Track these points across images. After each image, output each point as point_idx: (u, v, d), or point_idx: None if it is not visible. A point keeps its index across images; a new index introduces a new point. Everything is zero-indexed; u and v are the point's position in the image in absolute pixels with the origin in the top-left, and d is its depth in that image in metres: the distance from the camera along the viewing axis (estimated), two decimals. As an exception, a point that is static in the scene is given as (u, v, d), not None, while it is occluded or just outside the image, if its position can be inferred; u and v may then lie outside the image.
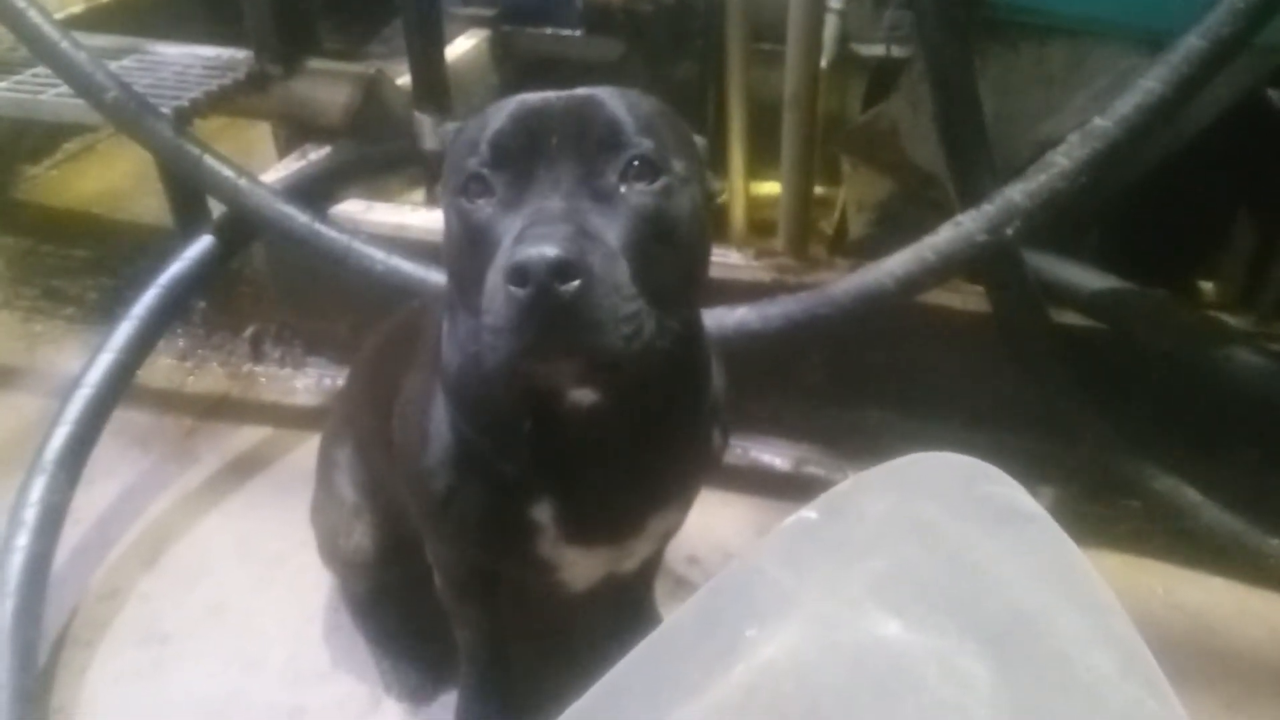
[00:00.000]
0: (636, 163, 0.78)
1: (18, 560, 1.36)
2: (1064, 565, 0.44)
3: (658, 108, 0.85)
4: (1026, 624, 0.39)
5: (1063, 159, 1.23)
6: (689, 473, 1.04)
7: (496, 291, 0.71)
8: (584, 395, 0.85)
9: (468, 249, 0.80)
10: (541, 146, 0.78)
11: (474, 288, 0.78)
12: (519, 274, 0.68)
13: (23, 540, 1.38)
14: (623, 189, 0.77)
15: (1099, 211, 1.50)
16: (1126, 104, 1.19)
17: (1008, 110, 1.49)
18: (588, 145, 0.78)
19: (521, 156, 0.78)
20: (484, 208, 0.79)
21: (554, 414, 0.87)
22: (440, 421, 0.96)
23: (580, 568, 1.04)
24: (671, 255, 0.80)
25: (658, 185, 0.78)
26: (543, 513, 0.94)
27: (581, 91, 0.83)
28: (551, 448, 0.90)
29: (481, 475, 0.95)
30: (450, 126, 0.97)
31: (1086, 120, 1.22)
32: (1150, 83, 1.17)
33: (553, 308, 0.69)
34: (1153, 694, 0.41)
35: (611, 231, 0.75)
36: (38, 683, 1.31)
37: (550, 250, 0.68)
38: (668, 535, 1.14)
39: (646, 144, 0.78)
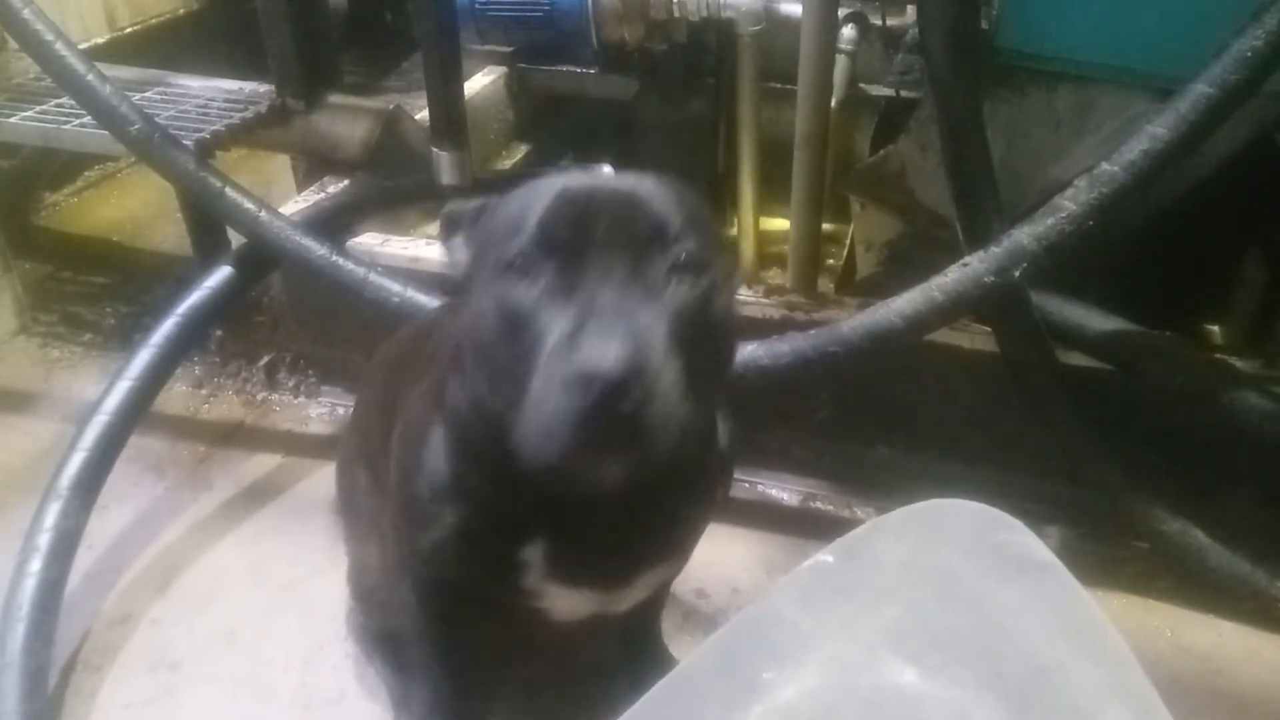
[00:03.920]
0: (683, 261, 0.78)
1: (30, 585, 1.37)
2: (1079, 617, 0.45)
3: (698, 204, 0.85)
4: (1043, 676, 0.40)
5: (1070, 203, 1.25)
6: (685, 532, 1.04)
7: (551, 389, 0.71)
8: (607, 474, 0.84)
9: (506, 330, 0.79)
10: (590, 234, 0.77)
11: (507, 366, 0.78)
12: (584, 382, 0.68)
13: (36, 565, 1.39)
14: (669, 286, 0.77)
15: (1106, 254, 1.51)
16: (1134, 150, 1.20)
17: (1016, 154, 1.51)
18: (636, 238, 0.77)
19: (570, 242, 0.77)
20: (529, 290, 0.77)
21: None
22: (437, 451, 0.97)
23: (563, 602, 1.04)
24: (709, 353, 0.80)
25: (702, 284, 0.78)
26: (532, 552, 0.95)
27: (627, 181, 0.82)
28: (552, 496, 0.90)
29: (474, 508, 0.96)
30: (470, 206, 0.94)
31: (1094, 165, 1.24)
32: (1158, 129, 1.18)
33: (610, 418, 0.69)
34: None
35: (659, 330, 0.74)
36: (47, 708, 1.31)
37: (616, 362, 0.67)
38: (665, 584, 1.14)
39: (692, 242, 0.78)
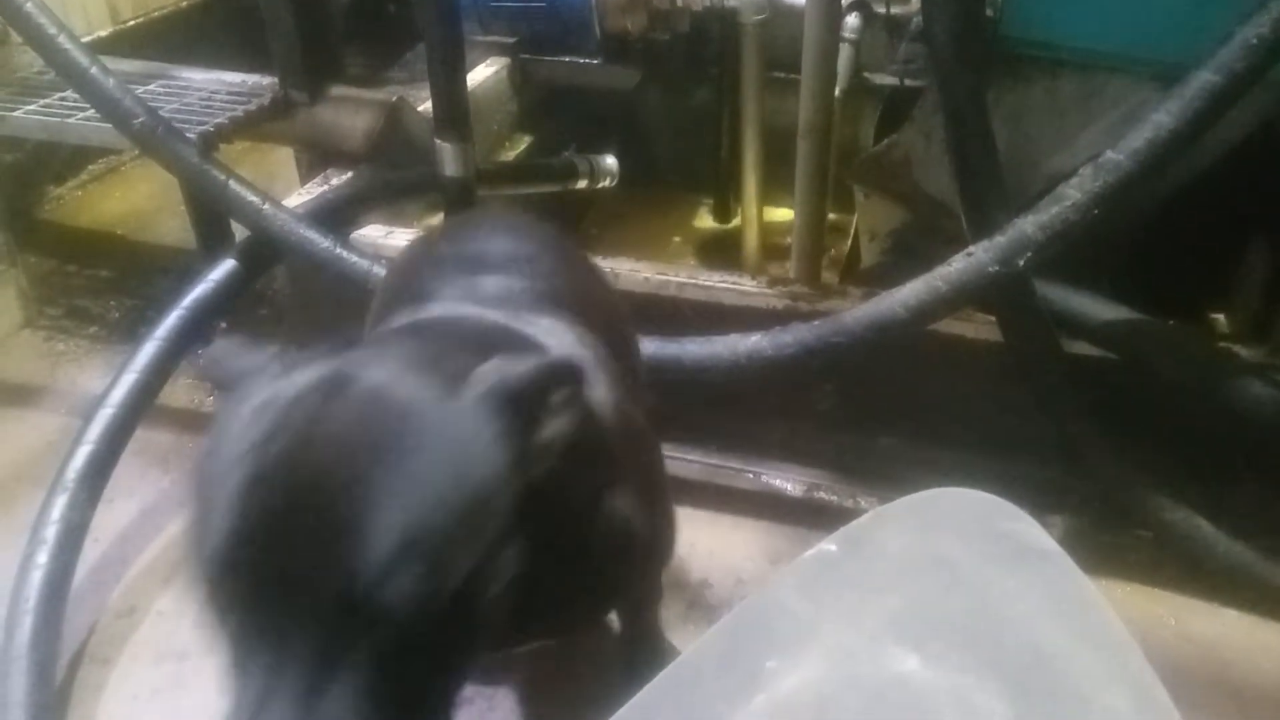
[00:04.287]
0: (382, 615, 0.57)
1: (37, 577, 1.38)
2: (1080, 603, 0.45)
3: (449, 477, 0.61)
4: (1044, 662, 0.40)
5: (1075, 191, 1.24)
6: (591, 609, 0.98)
7: None
8: None
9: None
10: (266, 578, 0.58)
11: None
12: None
13: (43, 558, 1.40)
14: (363, 642, 0.58)
15: (1111, 242, 1.51)
16: (1139, 137, 1.20)
17: (1020, 142, 1.50)
18: (316, 594, 0.57)
19: (245, 589, 0.58)
20: (212, 618, 0.61)
21: None
22: None
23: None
24: (454, 662, 0.63)
25: (418, 628, 0.58)
26: None
27: (335, 476, 0.59)
28: None
29: None
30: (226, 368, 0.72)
31: (1099, 153, 1.24)
32: (1162, 116, 1.18)
33: None
34: (1164, 727, 0.42)
35: (348, 709, 0.57)
36: (55, 700, 1.32)
37: None
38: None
39: (399, 587, 0.57)
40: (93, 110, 1.79)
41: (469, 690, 1.35)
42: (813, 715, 0.38)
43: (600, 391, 0.86)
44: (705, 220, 2.70)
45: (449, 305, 0.94)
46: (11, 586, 1.36)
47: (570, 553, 0.75)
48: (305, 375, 0.66)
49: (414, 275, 1.05)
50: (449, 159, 1.74)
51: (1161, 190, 1.44)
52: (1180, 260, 1.51)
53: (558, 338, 0.91)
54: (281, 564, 0.58)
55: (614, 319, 1.16)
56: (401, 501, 0.58)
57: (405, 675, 0.58)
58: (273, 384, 0.66)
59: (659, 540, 1.00)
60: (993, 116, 1.34)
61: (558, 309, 0.95)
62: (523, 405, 0.66)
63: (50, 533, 1.41)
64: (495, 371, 0.66)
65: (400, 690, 0.58)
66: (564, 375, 0.68)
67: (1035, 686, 0.39)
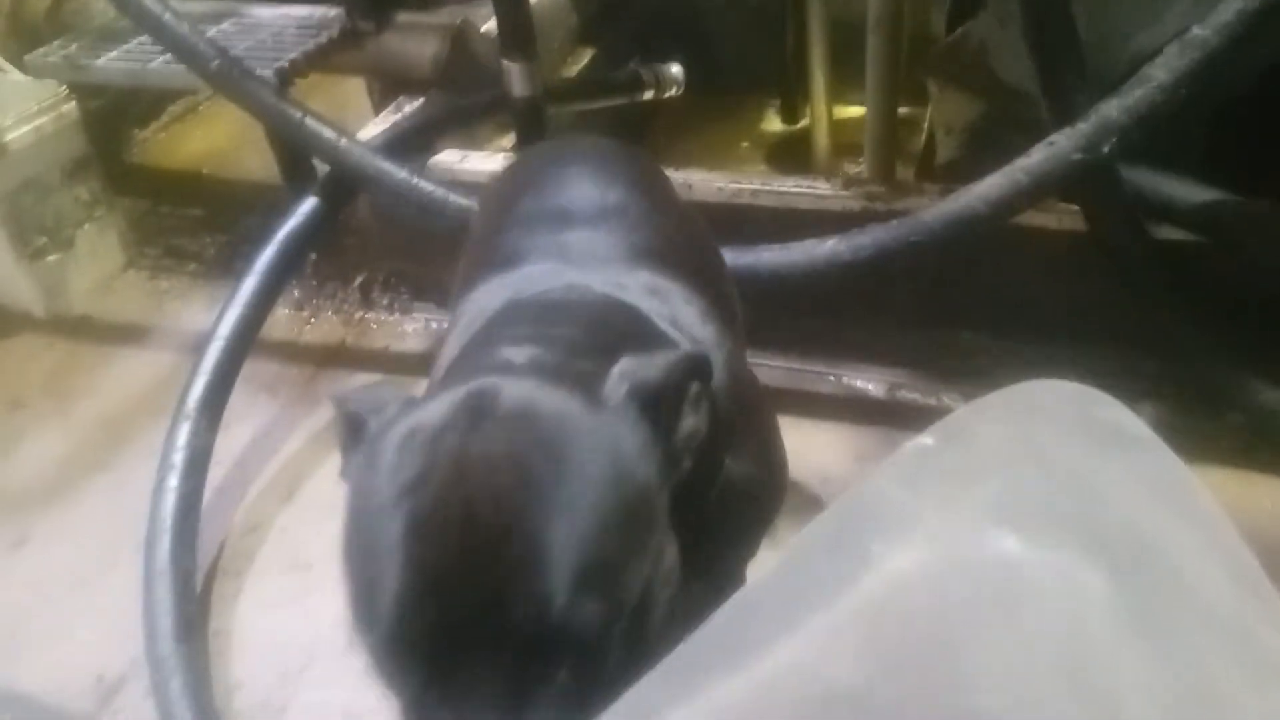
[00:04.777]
0: (576, 647, 0.58)
1: (171, 500, 1.49)
2: (1173, 483, 0.47)
3: (609, 494, 0.62)
4: (1139, 538, 0.43)
5: (1161, 72, 1.21)
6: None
7: None
8: None
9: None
10: (451, 620, 0.58)
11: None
12: None
13: (174, 481, 1.51)
14: (556, 672, 0.58)
15: (1199, 121, 1.46)
16: (1228, 10, 1.16)
17: (1101, 22, 1.45)
18: (506, 631, 0.57)
19: (429, 634, 0.58)
20: (390, 676, 0.62)
21: None
22: None
23: None
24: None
25: (603, 653, 0.59)
26: None
27: (503, 508, 0.58)
28: None
29: None
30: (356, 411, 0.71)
31: (1185, 30, 1.19)
32: (1255, -13, 1.13)
33: None
34: (1261, 600, 0.44)
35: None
36: (197, 609, 1.45)
37: None
38: None
39: (586, 615, 0.57)
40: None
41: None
42: (922, 591, 0.42)
43: (715, 356, 0.81)
44: (773, 123, 2.66)
45: (543, 270, 0.89)
46: (148, 508, 1.48)
47: (699, 530, 0.73)
48: (441, 405, 0.64)
49: (500, 231, 1.00)
50: (517, 79, 1.75)
51: (1253, 63, 1.38)
52: (1274, 137, 1.45)
53: (666, 304, 0.86)
54: (464, 609, 0.57)
55: (707, 258, 1.11)
56: (572, 525, 0.58)
57: (589, 698, 0.57)
58: (410, 417, 0.65)
59: (778, 493, 1.01)
60: (1071, -3, 1.30)
61: (654, 262, 0.90)
62: (663, 406, 0.66)
63: (178, 458, 1.52)
64: (630, 373, 0.65)
65: (587, 713, 0.56)
66: (697, 370, 0.68)
67: (1130, 560, 0.41)
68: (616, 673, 0.58)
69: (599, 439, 0.63)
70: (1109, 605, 0.39)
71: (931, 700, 0.37)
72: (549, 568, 0.57)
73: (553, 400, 0.64)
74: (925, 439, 0.53)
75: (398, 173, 1.63)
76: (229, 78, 1.66)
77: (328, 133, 1.65)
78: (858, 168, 2.21)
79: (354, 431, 0.70)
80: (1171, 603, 0.40)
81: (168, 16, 1.64)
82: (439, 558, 0.58)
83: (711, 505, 0.79)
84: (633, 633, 0.61)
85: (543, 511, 0.58)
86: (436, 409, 0.65)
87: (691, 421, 0.68)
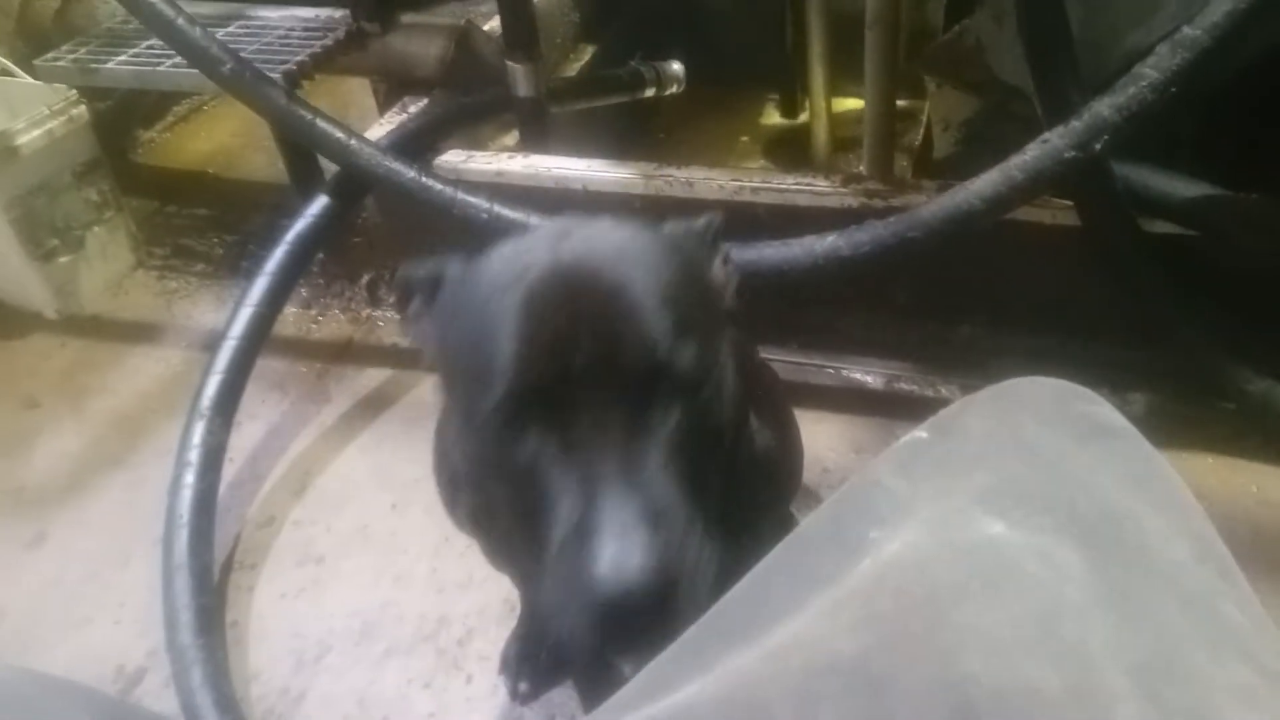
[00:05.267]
0: (680, 383, 0.68)
1: (188, 495, 1.52)
2: (1149, 473, 0.50)
3: (681, 272, 0.73)
4: (1114, 521, 0.46)
5: (1152, 70, 1.23)
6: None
7: (568, 593, 0.64)
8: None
9: (497, 487, 0.73)
10: (571, 371, 0.66)
11: (506, 511, 0.74)
12: (606, 600, 0.61)
13: (190, 478, 1.54)
14: (668, 412, 0.68)
15: (1191, 119, 1.49)
16: (1217, 10, 1.18)
17: (1095, 21, 1.48)
18: (625, 371, 0.66)
19: (553, 390, 0.67)
20: (514, 448, 0.68)
21: None
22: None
23: None
24: (719, 448, 0.73)
25: (703, 397, 0.69)
26: None
27: (603, 275, 0.69)
28: None
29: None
30: (423, 274, 0.82)
31: (1176, 29, 1.22)
32: (1242, -13, 1.16)
33: (637, 620, 0.62)
34: (1225, 578, 0.48)
35: (671, 479, 0.66)
36: (214, 601, 1.49)
37: (642, 574, 0.61)
38: None
39: (687, 352, 0.67)
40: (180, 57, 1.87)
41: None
42: (915, 572, 0.45)
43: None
44: (772, 117, 2.69)
45: None
46: (166, 505, 1.52)
47: (727, 494, 0.78)
48: (527, 235, 0.76)
49: None
50: (521, 79, 1.78)
51: (1241, 59, 1.41)
52: (1262, 133, 1.48)
53: None
54: (580, 358, 0.66)
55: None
56: (665, 292, 0.69)
57: (694, 456, 0.67)
58: (502, 246, 0.75)
59: (795, 465, 1.07)
60: (1065, -4, 1.32)
61: None
62: (712, 240, 0.81)
63: (194, 455, 1.55)
64: (678, 223, 0.78)
65: (693, 470, 0.67)
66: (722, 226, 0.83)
67: (1105, 542, 0.45)
68: (705, 447, 0.68)
69: (672, 245, 0.75)
70: (1084, 582, 0.43)
71: (923, 667, 0.41)
72: (652, 318, 0.67)
73: (626, 225, 0.75)
74: (919, 432, 0.56)
75: (406, 172, 1.66)
76: (241, 81, 1.68)
77: (338, 133, 1.67)
78: (856, 160, 2.24)
79: (419, 294, 0.81)
80: (1141, 581, 0.44)
81: (180, 20, 1.66)
82: (552, 319, 0.67)
83: (740, 465, 0.86)
84: (718, 401, 0.71)
85: (640, 281, 0.69)
86: (524, 239, 0.76)
87: (731, 268, 0.82)
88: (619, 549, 0.61)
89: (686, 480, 0.67)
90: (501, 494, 0.72)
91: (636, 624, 0.62)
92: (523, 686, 1.33)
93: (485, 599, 1.47)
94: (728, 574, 0.59)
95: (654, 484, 0.65)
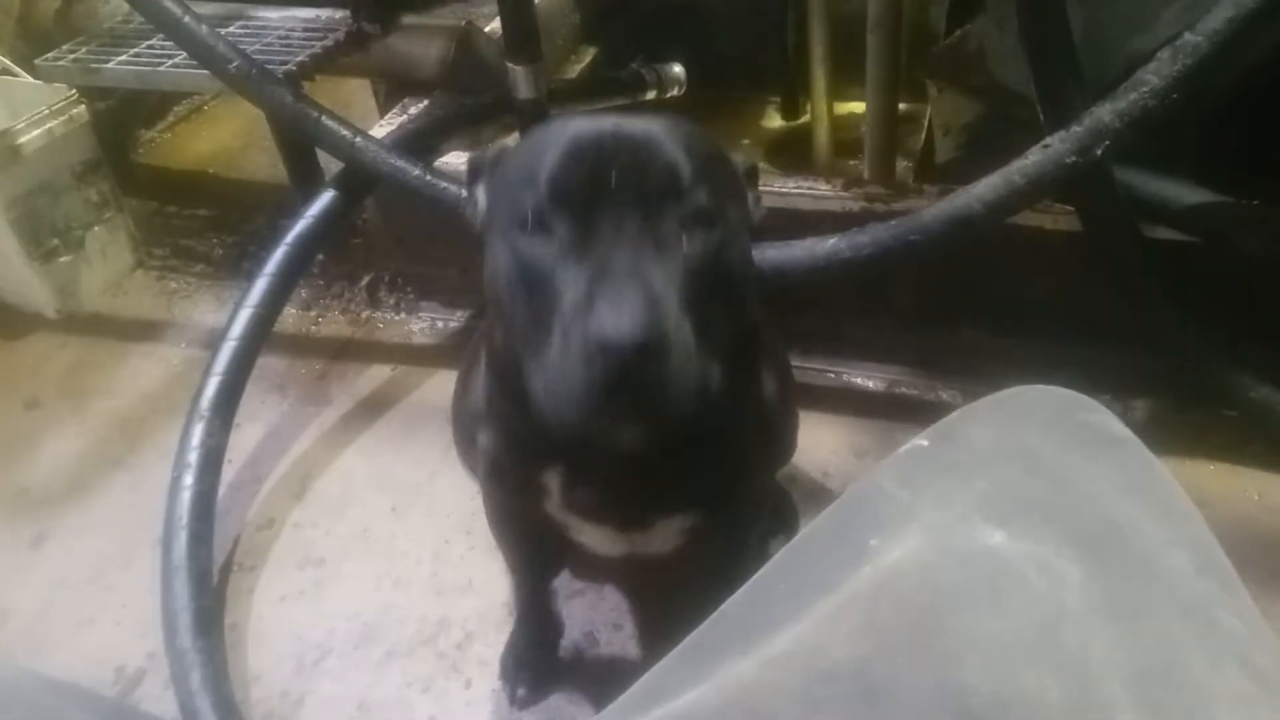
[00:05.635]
0: (695, 212, 0.77)
1: (187, 497, 1.52)
2: (1148, 481, 0.50)
3: (712, 149, 0.84)
4: (1114, 531, 0.46)
5: (1153, 76, 1.23)
6: (712, 485, 1.01)
7: (567, 355, 0.71)
8: (625, 435, 0.86)
9: (521, 286, 0.79)
10: (602, 187, 0.76)
11: (524, 320, 0.80)
12: (599, 352, 0.68)
13: (189, 480, 1.54)
14: (682, 238, 0.76)
15: (1193, 125, 1.49)
16: (1218, 17, 1.18)
17: (1097, 27, 1.48)
18: (648, 190, 0.76)
19: (582, 196, 0.76)
20: (543, 247, 0.77)
21: None
22: (480, 379, 1.04)
23: (587, 536, 1.07)
24: (724, 303, 0.80)
25: (714, 236, 0.78)
26: (551, 478, 0.98)
27: (638, 126, 0.80)
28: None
29: (504, 434, 1.01)
30: (489, 153, 0.93)
31: (1177, 36, 1.22)
32: (1244, -7, 1.16)
33: (627, 384, 0.69)
34: (1224, 588, 0.48)
35: (673, 286, 0.74)
36: (214, 603, 1.48)
37: (631, 331, 0.67)
38: (711, 530, 1.09)
39: (704, 192, 0.77)
40: (182, 56, 1.87)
41: (580, 584, 1.47)
42: (916, 580, 0.45)
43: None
44: (773, 120, 2.69)
45: None
46: (165, 506, 1.51)
47: (721, 424, 0.89)
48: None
49: None
50: (522, 81, 1.77)
51: (1241, 66, 1.41)
52: (1263, 139, 1.48)
53: None
54: (613, 171, 0.76)
55: None
56: (694, 151, 0.79)
57: (699, 288, 0.76)
58: (555, 119, 0.85)
59: (788, 435, 1.12)
60: (1068, 2, 1.32)
61: None
62: (748, 170, 0.92)
63: (193, 457, 1.55)
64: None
65: (695, 300, 0.75)
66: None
67: (1105, 551, 0.45)
68: (720, 279, 0.78)
69: (709, 139, 0.85)
70: (1084, 592, 0.43)
71: (923, 674, 0.41)
72: (678, 158, 0.78)
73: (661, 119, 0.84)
74: (921, 440, 0.56)
75: (412, 170, 1.65)
76: (247, 80, 1.68)
77: (344, 131, 1.67)
78: (857, 162, 2.24)
79: (482, 172, 0.92)
80: (1141, 591, 0.44)
81: (188, 19, 1.66)
82: (589, 151, 0.78)
83: (746, 416, 0.97)
84: (730, 257, 0.80)
85: (672, 138, 0.79)
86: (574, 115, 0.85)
87: (759, 200, 0.93)
88: (613, 310, 0.69)
89: (687, 301, 0.74)
90: (524, 300, 0.79)
91: (628, 385, 0.69)
92: (521, 692, 1.33)
93: (485, 603, 1.47)
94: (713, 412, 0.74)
95: (655, 280, 0.73)
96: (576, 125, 0.81)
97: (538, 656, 1.35)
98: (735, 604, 0.54)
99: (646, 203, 0.76)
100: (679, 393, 0.71)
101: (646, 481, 0.96)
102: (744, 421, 0.99)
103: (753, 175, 0.93)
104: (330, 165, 1.85)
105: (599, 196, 0.76)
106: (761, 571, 0.55)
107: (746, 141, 2.63)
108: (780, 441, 1.08)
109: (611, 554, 1.12)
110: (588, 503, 0.99)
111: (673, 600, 1.40)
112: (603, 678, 1.35)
